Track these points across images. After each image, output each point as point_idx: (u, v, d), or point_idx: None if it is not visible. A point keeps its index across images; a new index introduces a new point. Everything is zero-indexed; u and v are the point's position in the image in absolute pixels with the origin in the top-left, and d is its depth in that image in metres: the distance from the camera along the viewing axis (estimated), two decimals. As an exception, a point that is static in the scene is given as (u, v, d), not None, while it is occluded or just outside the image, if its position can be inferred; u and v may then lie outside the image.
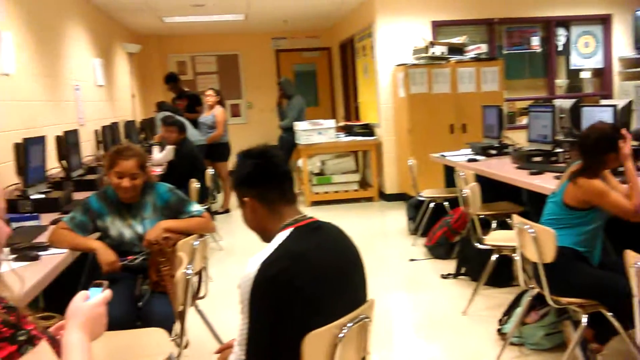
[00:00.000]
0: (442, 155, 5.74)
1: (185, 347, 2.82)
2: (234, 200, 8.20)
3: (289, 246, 1.77)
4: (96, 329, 1.38)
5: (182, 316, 2.56)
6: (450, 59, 7.23)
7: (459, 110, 7.24)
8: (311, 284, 1.73)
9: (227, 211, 7.70)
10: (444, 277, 4.76)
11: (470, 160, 5.15)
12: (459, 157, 5.48)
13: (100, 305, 1.42)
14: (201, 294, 3.22)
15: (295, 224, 1.85)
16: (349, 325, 1.70)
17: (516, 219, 3.07)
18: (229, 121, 11.17)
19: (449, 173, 5.80)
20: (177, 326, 2.76)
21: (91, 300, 1.42)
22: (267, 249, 1.78)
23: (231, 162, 9.85)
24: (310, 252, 1.77)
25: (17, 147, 4.00)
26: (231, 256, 5.78)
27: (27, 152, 3.77)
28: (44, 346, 1.14)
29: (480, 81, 7.25)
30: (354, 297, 1.85)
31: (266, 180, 1.90)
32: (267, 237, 1.88)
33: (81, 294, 1.43)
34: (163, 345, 2.47)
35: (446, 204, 5.59)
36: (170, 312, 2.76)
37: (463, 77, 7.23)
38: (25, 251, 2.62)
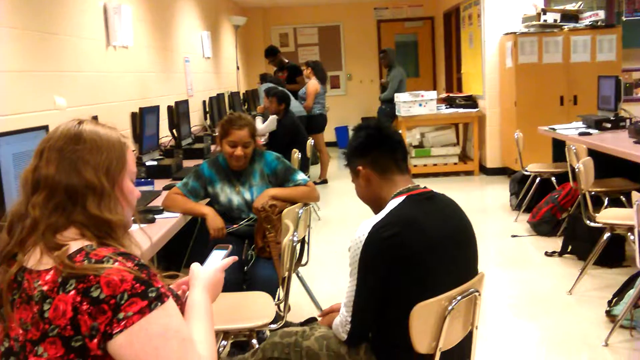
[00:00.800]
0: (552, 129, 5.49)
1: (288, 311, 2.91)
2: (331, 170, 8.33)
3: (401, 212, 1.78)
4: (215, 292, 1.48)
5: (286, 281, 2.64)
6: (564, 27, 6.86)
7: (571, 81, 6.87)
8: (421, 251, 1.73)
9: (324, 182, 7.79)
10: (549, 254, 4.59)
11: (582, 134, 4.89)
12: (570, 130, 5.22)
13: (222, 271, 1.51)
14: (303, 261, 3.30)
15: (408, 192, 1.86)
16: (458, 298, 1.69)
17: (635, 196, 2.89)
18: (328, 93, 11.26)
19: (557, 147, 5.55)
20: (279, 291, 2.85)
21: (214, 266, 1.51)
22: (379, 213, 1.80)
23: (327, 133, 9.94)
24: (422, 220, 1.77)
25: (134, 116, 4.24)
26: (328, 226, 5.87)
27: (142, 120, 3.99)
28: (171, 304, 1.22)
29: (595, 50, 6.83)
30: (464, 270, 1.83)
31: (379, 147, 1.93)
32: (379, 208, 1.90)
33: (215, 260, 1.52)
34: (267, 308, 2.57)
35: (553, 179, 5.36)
36: (274, 277, 2.85)
37: (577, 46, 6.84)
38: (143, 214, 2.79)
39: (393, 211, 1.79)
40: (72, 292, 1.14)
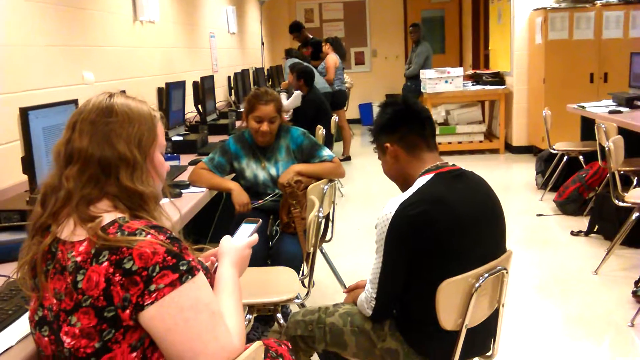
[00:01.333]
0: (581, 106, 5.39)
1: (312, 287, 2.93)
2: (354, 147, 8.31)
3: (430, 190, 1.77)
4: (242, 267, 1.51)
5: (311, 257, 2.65)
6: (596, 2, 6.69)
7: (602, 58, 6.72)
8: (448, 229, 1.72)
9: (347, 158, 7.77)
10: (574, 234, 4.54)
11: (612, 112, 4.79)
12: (600, 108, 5.11)
13: (249, 247, 1.54)
14: (327, 237, 3.31)
15: (437, 170, 1.84)
16: (485, 275, 1.68)
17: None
18: (353, 69, 11.18)
19: (586, 125, 5.45)
20: (304, 266, 2.87)
21: (242, 242, 1.53)
22: (407, 191, 1.79)
23: (351, 110, 9.90)
24: (450, 198, 1.76)
25: (160, 91, 4.26)
26: (351, 202, 5.87)
27: (169, 96, 4.01)
28: (201, 277, 1.23)
29: (628, 26, 6.65)
30: (491, 248, 1.82)
31: (407, 123, 1.91)
32: (407, 185, 1.89)
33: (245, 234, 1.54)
34: (292, 283, 2.58)
35: (581, 158, 5.28)
36: (299, 252, 2.86)
37: (609, 22, 6.67)
38: (170, 188, 2.81)
39: (421, 189, 1.78)
40: (105, 264, 1.16)
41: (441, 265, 1.72)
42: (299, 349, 2.03)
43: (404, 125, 1.91)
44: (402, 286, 1.79)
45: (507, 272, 1.78)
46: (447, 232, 1.72)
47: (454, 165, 1.90)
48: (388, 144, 1.95)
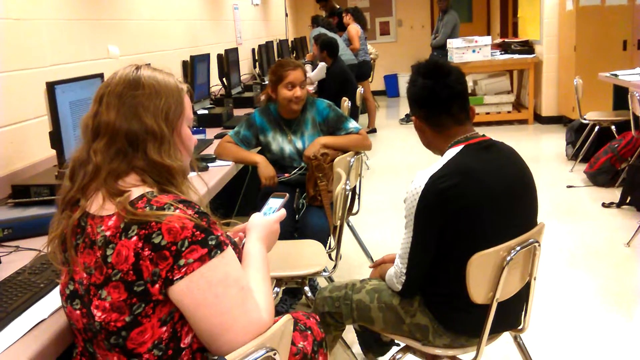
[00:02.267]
0: (613, 75, 5.24)
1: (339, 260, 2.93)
2: (379, 119, 8.23)
3: (459, 162, 1.73)
4: (271, 242, 1.50)
5: (338, 230, 2.63)
6: (629, -34, 6.46)
7: (635, 24, 6.51)
8: (479, 202, 1.69)
9: (373, 131, 7.71)
10: (606, 206, 4.46)
11: (646, 80, 4.65)
12: (634, 76, 4.97)
13: (277, 222, 1.53)
14: (354, 210, 3.29)
15: (467, 142, 1.80)
16: (517, 248, 1.65)
17: None
18: (378, 40, 11.03)
19: (619, 94, 5.32)
20: (331, 239, 2.86)
21: (270, 217, 1.52)
22: (436, 164, 1.76)
23: (376, 82, 9.79)
24: (480, 170, 1.72)
25: (185, 64, 4.25)
26: (376, 175, 5.84)
27: (194, 69, 3.99)
28: (230, 252, 1.22)
29: (663, -10, 6.42)
30: (523, 220, 1.78)
31: (433, 104, 1.85)
32: (441, 154, 1.86)
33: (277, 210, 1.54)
34: (319, 256, 2.58)
35: (613, 128, 5.16)
36: (325, 225, 2.85)
37: (644, -14, 6.44)
38: (197, 162, 2.81)
39: (450, 161, 1.74)
40: (134, 238, 1.16)
41: (472, 239, 1.69)
42: (329, 324, 2.04)
43: (429, 104, 1.86)
44: (432, 261, 1.77)
45: (539, 245, 1.74)
46: (477, 205, 1.69)
47: (483, 135, 1.85)
48: (414, 117, 1.92)
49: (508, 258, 1.64)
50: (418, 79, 1.87)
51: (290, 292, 3.00)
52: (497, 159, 1.78)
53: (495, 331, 1.82)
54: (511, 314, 1.87)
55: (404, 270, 1.80)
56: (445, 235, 1.72)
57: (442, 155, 1.81)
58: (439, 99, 1.83)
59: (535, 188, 1.85)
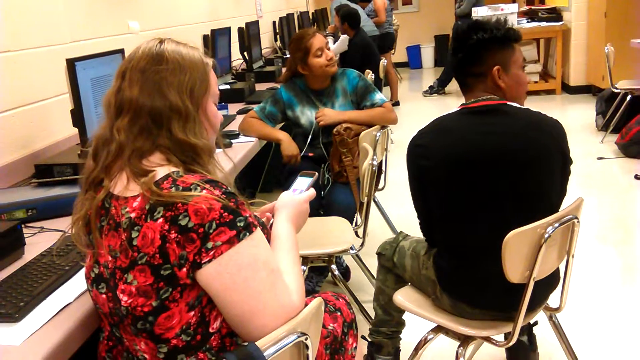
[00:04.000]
0: (647, 42, 5.07)
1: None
2: (402, 92, 8.10)
3: (439, 122, 1.81)
4: (300, 222, 1.46)
5: (365, 207, 2.58)
6: None
7: (670, -11, 6.27)
8: (455, 161, 1.71)
9: (396, 103, 7.59)
10: (638, 178, 4.34)
11: (682, 47, 4.48)
12: (668, 43, 4.79)
13: (307, 202, 1.49)
14: (380, 185, 3.23)
15: (469, 105, 1.82)
16: (555, 225, 1.58)
17: None
18: (400, 9, 10.82)
19: (653, 62, 5.14)
20: (357, 216, 2.81)
21: (300, 196, 1.48)
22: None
23: (399, 54, 9.60)
24: (458, 133, 1.75)
25: (206, 38, 4.18)
26: (401, 149, 5.72)
27: (214, 43, 3.93)
28: (259, 234, 1.17)
29: (699, -48, 6.16)
30: (534, 192, 1.71)
31: (462, 69, 1.87)
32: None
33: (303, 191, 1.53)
34: (346, 234, 2.54)
35: (646, 97, 5.01)
36: (352, 202, 2.80)
37: (680, -52, 6.19)
38: (222, 139, 2.77)
39: (437, 119, 1.83)
40: (160, 220, 1.11)
41: (454, 197, 1.73)
42: (380, 266, 2.20)
43: (457, 70, 1.89)
44: (428, 213, 1.86)
45: (578, 222, 1.67)
46: (453, 163, 1.72)
47: (492, 100, 1.78)
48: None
49: (546, 235, 1.56)
50: (455, 42, 1.88)
51: (317, 270, 2.97)
52: (489, 123, 1.75)
53: (528, 310, 1.75)
54: (542, 292, 1.80)
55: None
56: (429, 189, 1.80)
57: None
58: (466, 68, 1.87)
59: (552, 159, 1.73)
